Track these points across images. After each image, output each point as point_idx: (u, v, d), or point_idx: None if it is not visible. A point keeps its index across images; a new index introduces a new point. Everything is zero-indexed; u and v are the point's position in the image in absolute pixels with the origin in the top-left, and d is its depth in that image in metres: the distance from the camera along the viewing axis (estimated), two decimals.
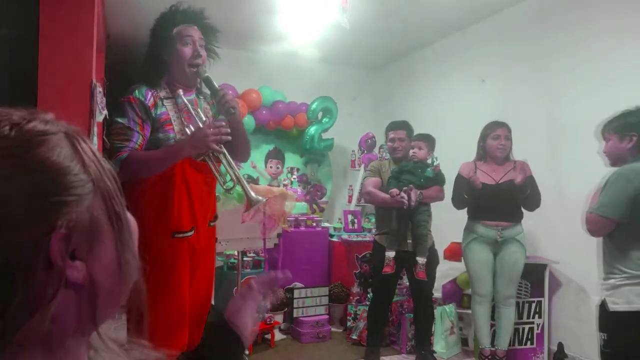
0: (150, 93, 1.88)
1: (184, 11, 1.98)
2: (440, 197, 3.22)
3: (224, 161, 1.89)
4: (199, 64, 1.92)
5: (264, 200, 1.92)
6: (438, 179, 3.19)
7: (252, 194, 1.86)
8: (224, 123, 1.83)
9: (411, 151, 3.21)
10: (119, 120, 1.84)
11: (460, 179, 3.16)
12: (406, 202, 3.01)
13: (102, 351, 0.56)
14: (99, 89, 3.11)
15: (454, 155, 3.64)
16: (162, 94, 1.92)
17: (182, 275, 1.89)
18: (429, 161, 3.25)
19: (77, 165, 0.49)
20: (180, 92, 1.89)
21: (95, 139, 3.08)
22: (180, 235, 1.88)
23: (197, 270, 1.99)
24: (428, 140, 3.22)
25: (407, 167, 3.18)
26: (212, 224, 2.08)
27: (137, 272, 0.55)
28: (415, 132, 3.37)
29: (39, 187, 0.45)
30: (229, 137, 1.81)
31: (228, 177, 1.95)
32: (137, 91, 1.87)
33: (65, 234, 0.46)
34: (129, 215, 0.56)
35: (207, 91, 2.03)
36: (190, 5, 2.01)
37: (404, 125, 3.40)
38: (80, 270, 0.47)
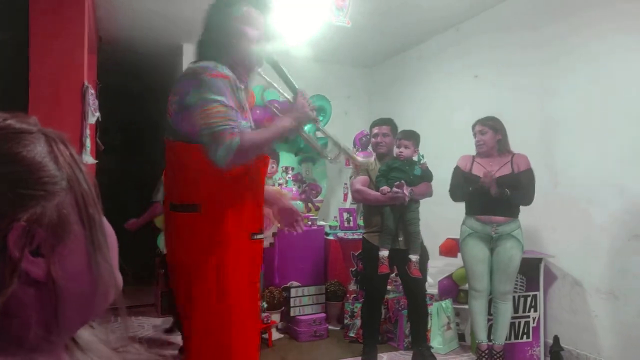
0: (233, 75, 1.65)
1: None
2: (429, 193, 3.26)
3: (320, 130, 1.80)
4: (273, 57, 1.76)
5: (369, 160, 1.85)
6: (426, 176, 3.22)
7: (359, 158, 1.88)
8: (307, 93, 1.69)
9: (397, 150, 3.23)
10: (215, 97, 1.52)
11: (457, 171, 3.18)
12: (402, 196, 3.01)
13: (90, 352, 0.56)
14: (91, 91, 3.10)
15: (448, 151, 3.65)
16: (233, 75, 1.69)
17: (256, 283, 1.72)
18: (415, 158, 3.27)
19: (50, 163, 0.49)
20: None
21: (87, 141, 3.07)
22: (257, 236, 1.71)
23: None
24: (414, 138, 3.24)
25: (396, 165, 3.19)
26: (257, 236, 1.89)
27: (112, 278, 0.54)
28: (411, 129, 3.38)
29: (6, 179, 0.46)
30: (315, 108, 1.70)
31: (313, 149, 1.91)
32: (226, 69, 1.61)
33: (26, 226, 0.46)
34: (107, 223, 0.57)
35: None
36: None
37: (388, 121, 3.42)
38: (40, 266, 0.47)
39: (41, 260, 0.47)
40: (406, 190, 3.04)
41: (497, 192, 2.93)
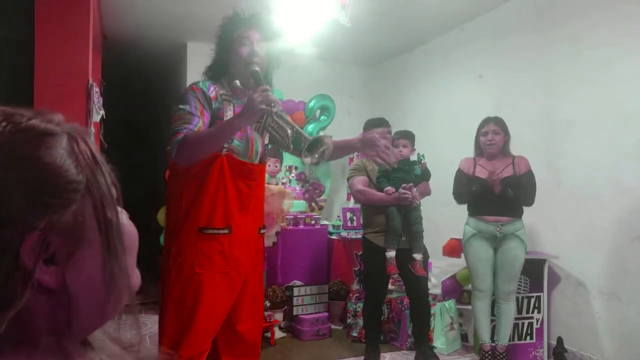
0: (213, 87, 1.91)
1: (245, 17, 2.02)
2: (429, 192, 3.31)
3: (278, 120, 1.88)
4: (255, 62, 1.92)
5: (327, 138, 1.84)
6: (425, 175, 3.25)
7: (308, 136, 1.86)
8: (269, 88, 1.79)
9: (396, 150, 3.23)
10: (180, 106, 1.84)
11: (460, 174, 3.17)
12: (410, 198, 3.02)
13: (100, 351, 0.55)
14: (96, 89, 3.11)
15: (451, 152, 3.64)
16: (223, 91, 1.94)
17: (205, 275, 1.83)
18: (415, 157, 3.28)
19: (71, 167, 0.47)
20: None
21: (92, 138, 3.08)
22: (210, 231, 1.84)
23: (236, 279, 1.91)
24: (410, 137, 3.27)
25: (396, 165, 3.20)
26: (262, 231, 2.04)
27: (126, 284, 0.53)
28: (411, 129, 3.38)
29: (25, 186, 0.44)
30: (277, 101, 1.79)
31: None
32: (200, 83, 1.91)
33: (41, 235, 0.44)
34: (127, 222, 0.55)
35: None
36: (254, 10, 2.06)
37: (383, 122, 3.40)
38: (54, 275, 0.45)
39: (55, 269, 0.45)
40: (414, 192, 3.05)
41: (500, 191, 2.93)
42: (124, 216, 0.54)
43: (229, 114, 1.91)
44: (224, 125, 1.80)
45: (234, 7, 2.03)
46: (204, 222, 1.84)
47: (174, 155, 1.76)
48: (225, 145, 1.86)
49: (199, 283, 1.82)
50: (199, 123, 1.81)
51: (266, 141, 2.09)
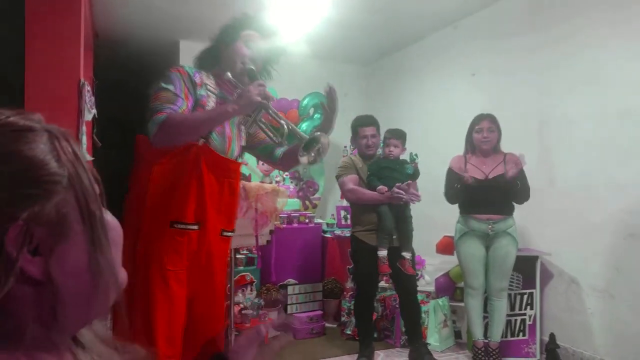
0: (199, 74, 1.85)
1: (262, 23, 1.98)
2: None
3: (271, 115, 1.82)
4: (250, 66, 1.87)
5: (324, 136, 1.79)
6: (416, 175, 3.26)
7: (304, 134, 1.83)
8: (264, 84, 1.76)
9: (387, 149, 3.23)
10: (164, 85, 1.74)
11: (451, 173, 3.18)
12: (404, 197, 3.02)
13: (90, 351, 0.56)
14: (88, 88, 3.09)
15: (445, 150, 3.65)
16: (209, 81, 1.88)
17: (177, 272, 1.75)
18: (406, 157, 3.28)
19: (52, 160, 0.48)
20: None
21: (84, 138, 3.06)
22: (181, 226, 1.74)
23: (199, 280, 1.83)
24: (402, 137, 3.27)
25: (386, 164, 3.20)
26: (226, 233, 1.94)
27: (113, 276, 0.54)
28: (405, 127, 3.38)
29: (5, 178, 0.45)
30: (273, 97, 1.76)
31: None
32: (187, 67, 1.84)
33: (24, 225, 0.45)
34: (111, 218, 0.56)
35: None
36: (248, 9, 2.04)
37: (374, 121, 3.40)
38: (38, 265, 0.47)
39: (39, 259, 0.47)
40: (415, 190, 3.05)
41: (512, 183, 2.97)
42: (107, 213, 0.55)
43: (211, 105, 1.83)
44: (214, 111, 1.75)
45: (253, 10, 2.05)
46: (175, 215, 1.73)
47: (153, 134, 1.67)
48: (203, 137, 1.79)
49: (170, 280, 1.73)
50: (183, 106, 1.73)
51: (242, 143, 2.01)
